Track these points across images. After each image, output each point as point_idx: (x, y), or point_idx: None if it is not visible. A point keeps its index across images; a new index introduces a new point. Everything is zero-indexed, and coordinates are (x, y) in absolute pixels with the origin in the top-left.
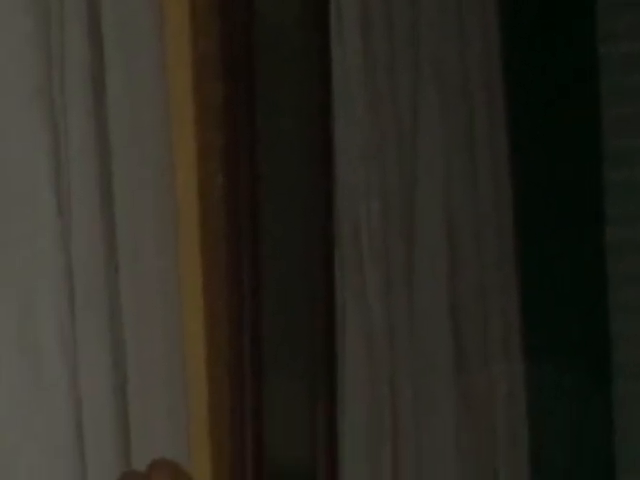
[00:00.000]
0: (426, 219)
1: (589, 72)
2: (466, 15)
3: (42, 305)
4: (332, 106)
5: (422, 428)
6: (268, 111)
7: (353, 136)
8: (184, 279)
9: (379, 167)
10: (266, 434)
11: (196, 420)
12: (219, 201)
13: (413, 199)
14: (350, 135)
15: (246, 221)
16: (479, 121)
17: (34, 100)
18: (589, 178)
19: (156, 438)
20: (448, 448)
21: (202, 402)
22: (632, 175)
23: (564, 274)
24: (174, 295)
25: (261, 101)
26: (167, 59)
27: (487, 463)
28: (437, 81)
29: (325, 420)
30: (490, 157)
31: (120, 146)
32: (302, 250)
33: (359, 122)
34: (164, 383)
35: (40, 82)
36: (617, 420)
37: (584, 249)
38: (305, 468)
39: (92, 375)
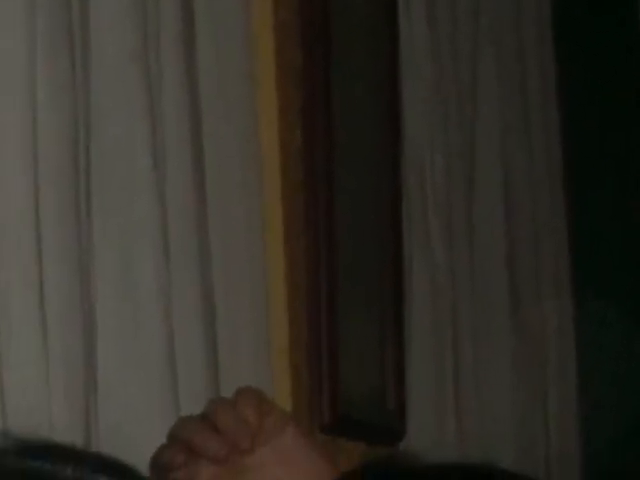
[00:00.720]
0: (484, 173)
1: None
2: None
3: (141, 251)
4: (399, 69)
5: (480, 360)
6: (342, 72)
7: (419, 97)
8: (267, 224)
9: (442, 125)
10: (341, 368)
11: (278, 353)
12: (298, 153)
13: (473, 155)
14: (416, 96)
15: (322, 172)
16: (531, 85)
17: (132, 66)
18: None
19: (242, 369)
20: (504, 378)
21: (283, 337)
22: None
23: (612, 217)
24: (258, 239)
25: (336, 64)
26: (251, 26)
27: (539, 392)
28: (494, 47)
29: (394, 355)
30: (542, 116)
31: (209, 105)
32: (372, 201)
33: (424, 84)
34: (249, 319)
35: (137, 49)
36: None
37: (631, 192)
38: (376, 398)
39: (185, 313)
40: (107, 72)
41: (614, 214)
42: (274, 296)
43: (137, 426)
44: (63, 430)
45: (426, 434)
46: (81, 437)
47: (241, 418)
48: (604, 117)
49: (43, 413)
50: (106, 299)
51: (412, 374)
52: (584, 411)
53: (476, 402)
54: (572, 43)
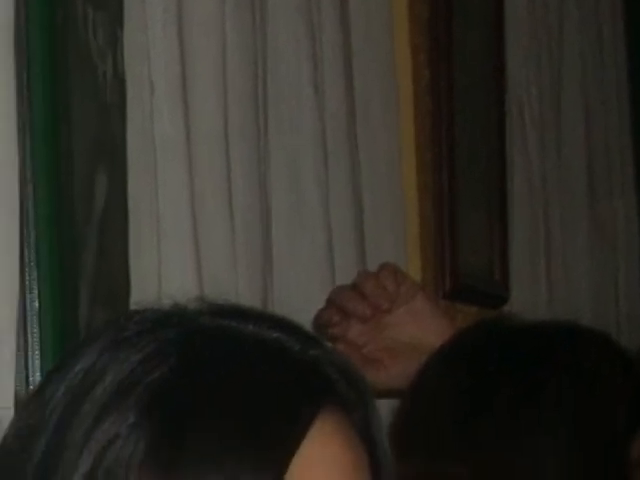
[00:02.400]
0: (568, 99)
1: None
2: None
3: (306, 162)
4: (504, 22)
5: (566, 243)
6: (461, 25)
7: (519, 44)
8: (402, 141)
9: (535, 65)
10: (459, 248)
11: (411, 238)
12: (426, 88)
13: (559, 86)
14: (516, 43)
15: (445, 101)
16: (606, 32)
17: (298, 17)
18: None
19: (383, 250)
20: (584, 258)
21: (415, 225)
22: None
23: None
24: (395, 151)
25: (456, 19)
26: None
27: (610, 269)
28: (576, 3)
29: (500, 238)
30: (613, 56)
31: (357, 48)
32: (484, 121)
33: (523, 34)
34: (389, 212)
35: (302, 4)
36: None
37: None
38: (485, 272)
39: (339, 211)
40: (279, 22)
41: None
42: (408, 194)
43: (302, 295)
44: (246, 300)
45: (524, 300)
46: (259, 306)
47: (382, 286)
48: None
49: (231, 289)
50: (279, 201)
51: (513, 253)
52: None
53: (562, 276)
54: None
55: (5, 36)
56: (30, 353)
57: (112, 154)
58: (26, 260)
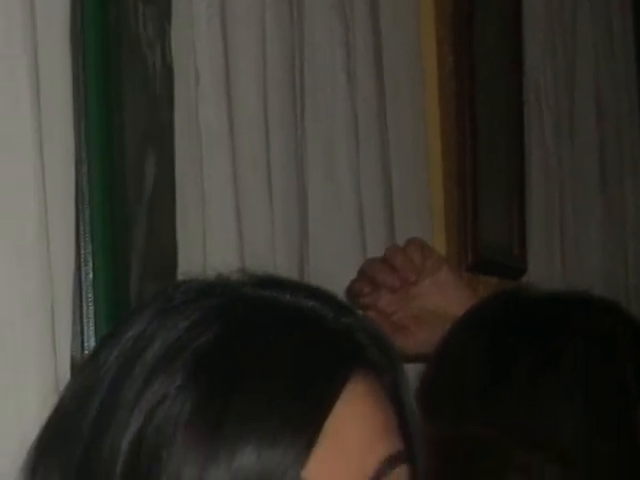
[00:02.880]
0: (582, 86)
1: None
2: None
3: (339, 141)
4: (522, 16)
5: (579, 223)
6: (482, 17)
7: (535, 34)
8: (428, 125)
9: (551, 53)
10: (480, 224)
11: (436, 215)
12: (450, 75)
13: (573, 74)
14: (533, 33)
15: (467, 86)
16: (616, 25)
17: (331, 12)
18: None
19: (410, 226)
20: (596, 236)
21: (440, 204)
22: None
23: None
24: (421, 134)
25: (478, 10)
26: None
27: (620, 245)
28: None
29: (518, 216)
30: (623, 49)
31: (387, 39)
32: (503, 107)
33: (539, 25)
34: (415, 190)
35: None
36: None
37: None
38: (505, 246)
39: (369, 187)
40: (315, 16)
41: None
42: (433, 175)
43: (336, 268)
44: (284, 272)
45: (540, 272)
46: (296, 276)
47: (410, 259)
48: None
49: (270, 262)
50: (315, 183)
51: (531, 229)
52: None
53: (575, 251)
54: None
55: (62, 29)
56: (85, 321)
57: (160, 139)
58: (81, 235)
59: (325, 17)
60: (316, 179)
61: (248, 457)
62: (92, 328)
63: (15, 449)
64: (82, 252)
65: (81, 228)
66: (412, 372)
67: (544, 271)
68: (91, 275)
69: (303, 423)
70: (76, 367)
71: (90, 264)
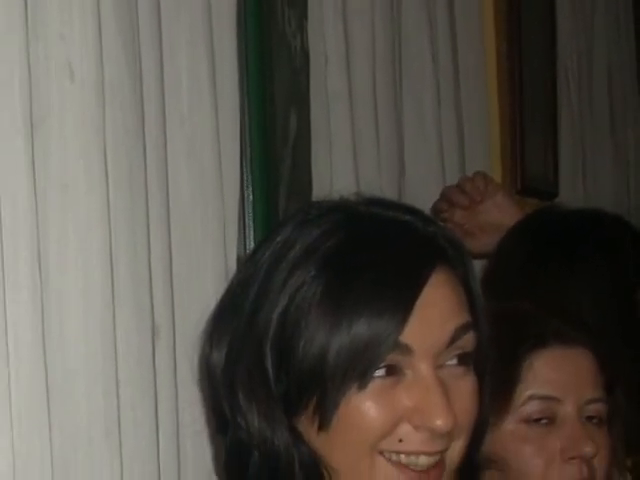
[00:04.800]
0: (598, 57)
1: None
2: None
3: (426, 101)
4: (556, 12)
5: (595, 159)
6: (527, 10)
7: (564, 27)
8: (489, 75)
9: (576, 37)
10: (527, 157)
11: (495, 153)
12: (505, 55)
13: (591, 49)
14: (563, 27)
15: (516, 55)
16: (622, 21)
17: (420, 10)
18: None
19: (477, 160)
20: (607, 168)
21: (497, 145)
22: None
23: None
24: (483, 79)
25: (524, 7)
26: None
27: (624, 175)
28: None
29: (552, 149)
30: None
31: (461, 29)
32: (541, 73)
33: (572, 11)
34: (481, 135)
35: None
36: None
37: None
38: (542, 173)
39: (449, 131)
40: (408, 14)
41: None
42: (493, 125)
43: (424, 191)
44: (388, 194)
45: (568, 195)
46: (396, 198)
47: (476, 186)
48: None
49: (377, 188)
50: (410, 132)
51: (561, 164)
52: None
53: (593, 179)
54: None
55: (230, 24)
56: (247, 230)
57: (300, 101)
58: (245, 168)
59: (416, 14)
60: (410, 129)
61: (362, 326)
62: (252, 235)
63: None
64: (245, 180)
65: (245, 163)
66: (477, 266)
67: (571, 194)
68: (252, 197)
69: (401, 302)
70: (240, 262)
71: (251, 189)
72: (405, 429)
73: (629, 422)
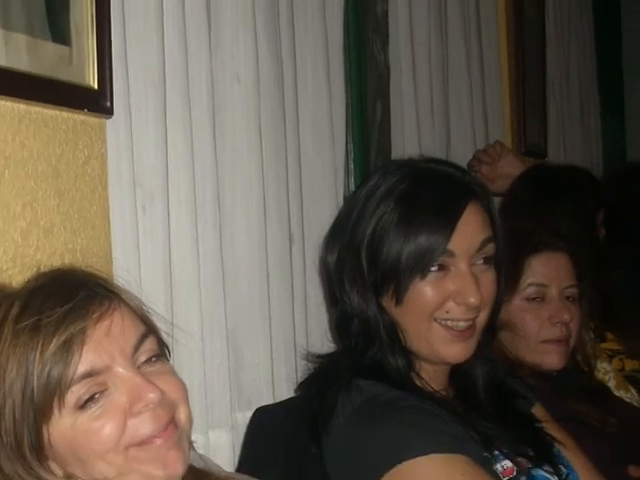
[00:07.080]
0: (572, 65)
1: None
2: None
3: (457, 86)
4: (545, 16)
5: (571, 132)
6: (529, 8)
7: (553, 28)
8: (501, 69)
9: (565, 58)
10: (527, 130)
11: (507, 125)
12: (512, 41)
13: (568, 59)
14: (553, 47)
15: (519, 43)
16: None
17: (457, 11)
18: None
19: (495, 131)
20: (579, 139)
21: (508, 118)
22: None
23: None
24: (498, 72)
25: (526, 7)
26: None
27: (590, 144)
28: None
29: (543, 125)
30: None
31: (485, 18)
32: (536, 81)
33: (555, 32)
34: (495, 108)
35: (457, 5)
36: None
37: None
38: (536, 140)
39: (477, 113)
40: (451, 26)
41: None
42: (505, 103)
43: (463, 153)
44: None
45: (553, 156)
46: (445, 157)
47: (495, 149)
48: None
49: (432, 150)
50: (455, 110)
51: (549, 133)
52: None
53: (570, 146)
54: None
55: (339, 46)
56: (350, 177)
57: (383, 96)
58: (348, 138)
59: (457, 40)
60: (454, 113)
61: (423, 239)
62: (352, 180)
63: (318, 233)
64: (349, 145)
65: (349, 135)
66: (497, 201)
67: (555, 156)
68: (352, 154)
69: (448, 223)
70: (345, 199)
71: (352, 151)
72: (450, 304)
73: (592, 299)
